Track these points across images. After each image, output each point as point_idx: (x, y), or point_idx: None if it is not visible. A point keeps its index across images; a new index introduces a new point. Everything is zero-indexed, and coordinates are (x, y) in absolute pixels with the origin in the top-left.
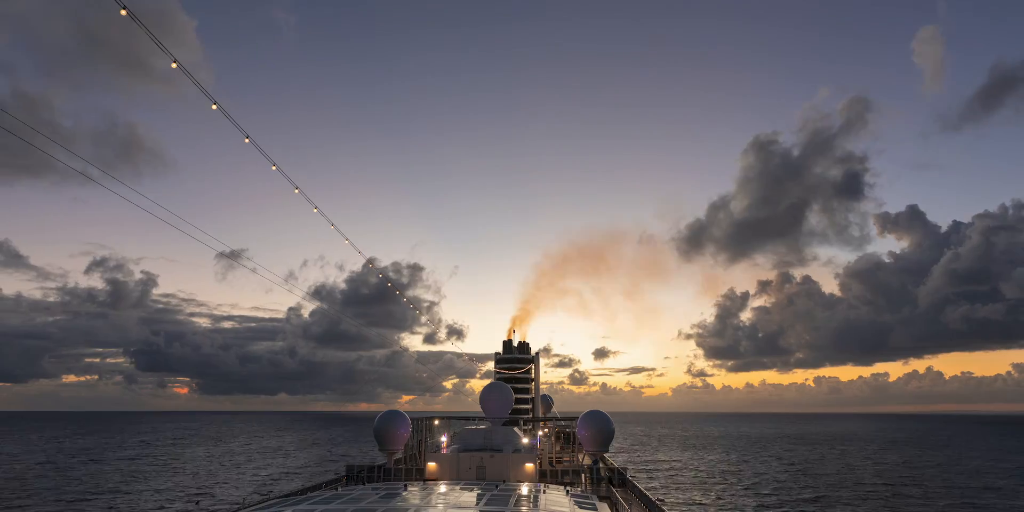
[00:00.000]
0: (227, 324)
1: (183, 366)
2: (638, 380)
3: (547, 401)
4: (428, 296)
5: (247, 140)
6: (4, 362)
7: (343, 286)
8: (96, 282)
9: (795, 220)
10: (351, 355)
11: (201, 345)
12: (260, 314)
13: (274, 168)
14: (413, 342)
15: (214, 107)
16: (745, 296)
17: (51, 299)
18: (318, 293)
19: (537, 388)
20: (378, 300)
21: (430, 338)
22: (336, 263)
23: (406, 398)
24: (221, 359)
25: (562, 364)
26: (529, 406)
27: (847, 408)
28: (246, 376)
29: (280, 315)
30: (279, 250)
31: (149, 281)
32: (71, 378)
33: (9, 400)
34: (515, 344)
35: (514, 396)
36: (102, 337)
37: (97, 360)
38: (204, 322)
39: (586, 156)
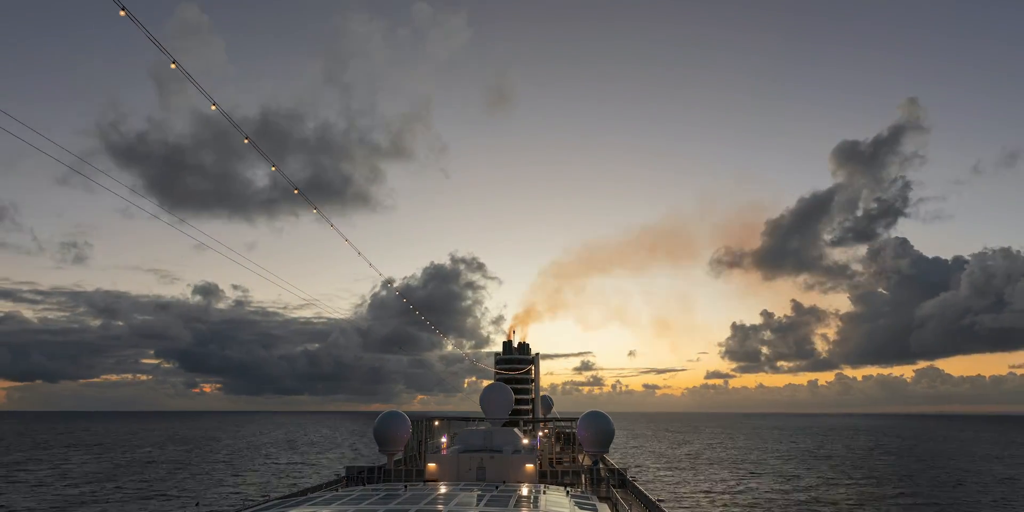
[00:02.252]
0: (294, 327)
1: (220, 367)
2: (652, 380)
3: (547, 402)
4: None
5: (246, 141)
6: (51, 361)
7: (410, 284)
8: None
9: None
10: (397, 358)
11: (251, 347)
12: (333, 315)
13: (273, 169)
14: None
15: (213, 108)
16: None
17: (145, 301)
18: (391, 288)
19: (537, 389)
20: (434, 306)
21: (479, 343)
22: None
23: (419, 397)
24: (263, 360)
25: (584, 367)
26: (529, 407)
27: (861, 408)
28: (277, 377)
29: (343, 315)
30: (373, 250)
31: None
32: (110, 377)
33: (33, 400)
34: (515, 345)
35: (514, 397)
36: (164, 339)
37: (150, 361)
38: (274, 323)
39: (649, 151)
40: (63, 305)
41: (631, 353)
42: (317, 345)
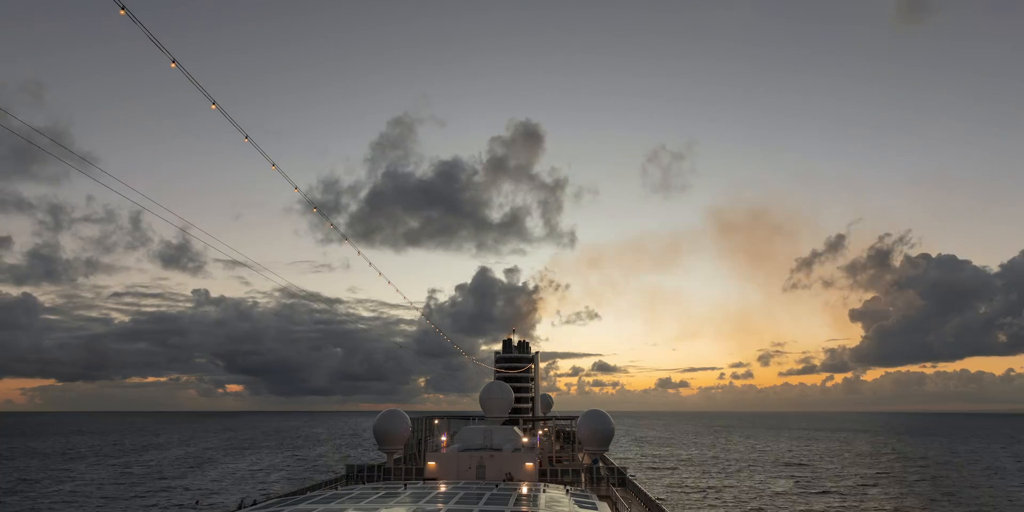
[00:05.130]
0: (353, 327)
1: (252, 368)
2: (676, 378)
3: (547, 401)
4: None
5: (246, 140)
6: (102, 360)
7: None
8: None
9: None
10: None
11: (296, 346)
12: (392, 314)
13: (273, 168)
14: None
15: (213, 107)
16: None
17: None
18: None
19: (537, 387)
20: (477, 313)
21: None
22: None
23: (428, 395)
24: (298, 361)
25: (602, 367)
26: (529, 405)
27: (874, 407)
28: (307, 377)
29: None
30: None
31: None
32: (134, 379)
33: (59, 399)
34: (515, 344)
35: (514, 395)
36: (218, 341)
37: (200, 361)
38: (340, 322)
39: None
40: (161, 307)
41: (654, 352)
42: (336, 349)
